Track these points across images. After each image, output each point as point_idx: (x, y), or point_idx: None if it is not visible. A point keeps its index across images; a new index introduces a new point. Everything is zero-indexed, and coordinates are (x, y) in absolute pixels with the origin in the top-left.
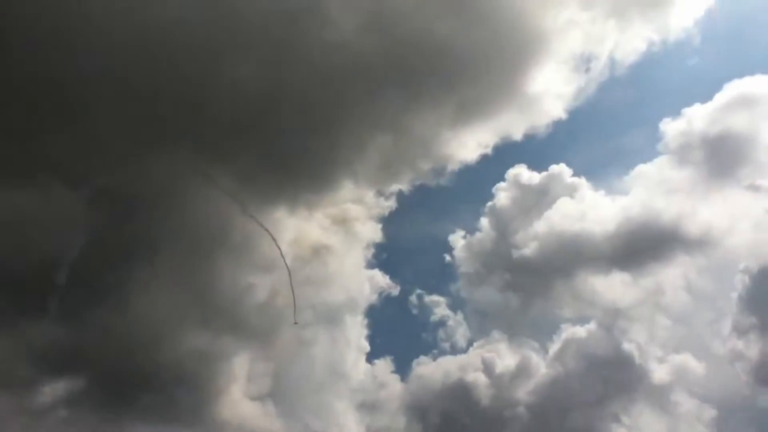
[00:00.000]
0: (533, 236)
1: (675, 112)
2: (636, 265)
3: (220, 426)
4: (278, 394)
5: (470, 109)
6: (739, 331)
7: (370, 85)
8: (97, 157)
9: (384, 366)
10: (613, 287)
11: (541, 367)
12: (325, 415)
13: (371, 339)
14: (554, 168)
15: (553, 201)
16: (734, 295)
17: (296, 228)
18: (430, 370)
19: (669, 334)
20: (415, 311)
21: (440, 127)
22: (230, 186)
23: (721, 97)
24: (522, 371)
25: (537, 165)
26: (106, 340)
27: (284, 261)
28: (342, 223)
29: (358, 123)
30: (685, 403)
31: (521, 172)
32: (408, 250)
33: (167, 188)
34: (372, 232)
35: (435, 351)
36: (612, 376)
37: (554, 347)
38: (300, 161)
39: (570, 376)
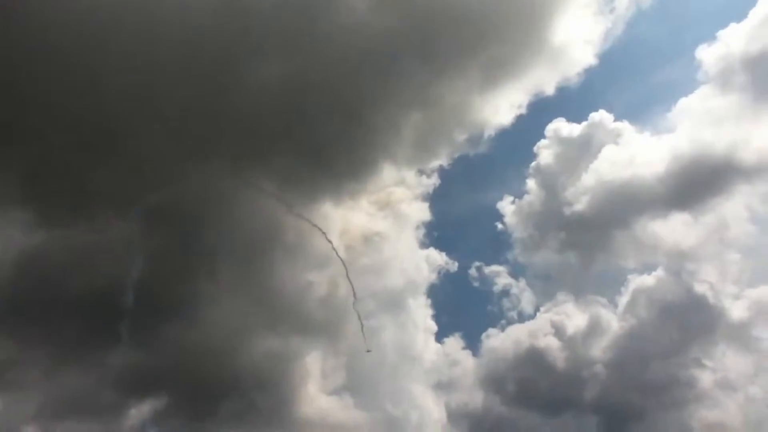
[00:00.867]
0: (583, 190)
1: (710, 37)
2: (694, 203)
3: (302, 423)
4: (353, 385)
5: (497, 70)
6: None
7: (392, 63)
8: (141, 180)
9: (454, 343)
10: (674, 230)
11: (613, 322)
12: (403, 399)
13: (437, 318)
14: (594, 116)
15: (598, 150)
16: None
17: (344, 219)
18: (500, 340)
19: (741, 268)
20: (476, 284)
21: (470, 94)
22: (273, 187)
23: (756, 13)
24: (594, 329)
25: (575, 116)
26: (182, 355)
27: (337, 254)
28: (388, 207)
29: (388, 103)
30: None
31: (560, 126)
32: (458, 224)
33: (213, 199)
34: (419, 211)
35: (503, 321)
36: (688, 321)
37: (623, 300)
38: (336, 151)
39: (644, 327)
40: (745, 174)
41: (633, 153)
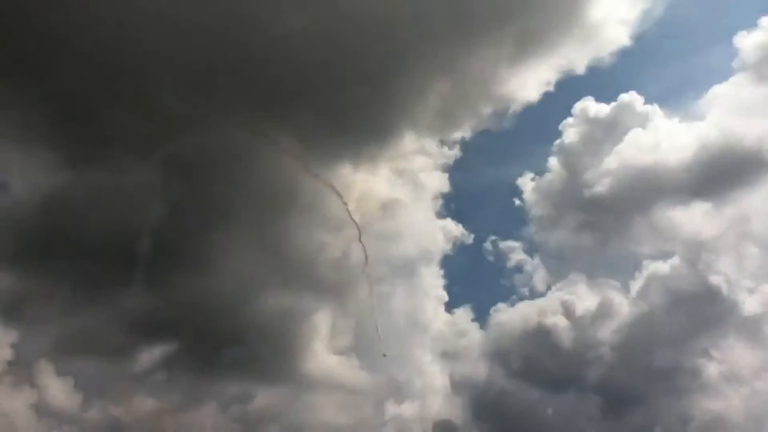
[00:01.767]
0: (605, 172)
1: (750, 23)
2: (717, 193)
3: (307, 380)
4: (361, 348)
5: (529, 43)
6: None
7: (422, 28)
8: (161, 127)
9: (463, 314)
10: (694, 219)
11: (624, 306)
12: (409, 365)
13: (449, 288)
14: (623, 97)
15: (624, 133)
16: None
17: (362, 183)
18: (509, 315)
19: (758, 263)
20: (490, 258)
21: (498, 66)
22: (292, 145)
23: None
24: (604, 312)
25: (605, 97)
26: (194, 304)
27: (351, 216)
28: (407, 175)
29: (414, 68)
30: None
31: (588, 106)
32: (477, 197)
33: (232, 153)
34: (439, 182)
35: (513, 297)
36: (699, 311)
37: (636, 285)
38: (359, 114)
39: (655, 313)
40: None
41: (660, 138)
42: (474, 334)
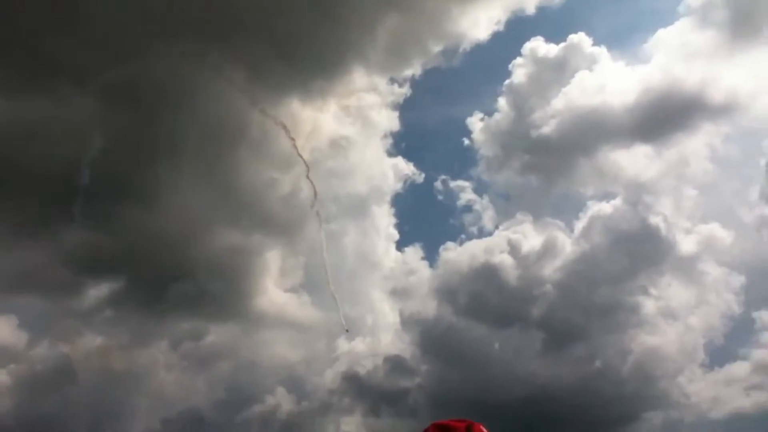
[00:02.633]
0: (552, 113)
1: None
2: (658, 136)
3: (259, 317)
4: (311, 286)
5: None
6: None
7: None
8: (101, 53)
9: (413, 253)
10: (636, 161)
11: (567, 246)
12: (360, 302)
13: (399, 227)
14: (573, 38)
15: (572, 75)
16: (762, 161)
17: (312, 120)
18: (457, 254)
19: (695, 204)
20: (440, 197)
21: (450, 3)
22: (240, 78)
23: None
24: (548, 250)
25: (554, 37)
26: (141, 240)
27: (298, 152)
28: (357, 112)
29: (364, 1)
30: (713, 272)
31: (538, 45)
32: (427, 136)
33: (176, 83)
34: (388, 120)
35: (462, 236)
36: (639, 250)
37: (580, 225)
38: (309, 46)
39: (597, 252)
40: (711, 112)
41: (605, 80)
42: (424, 272)
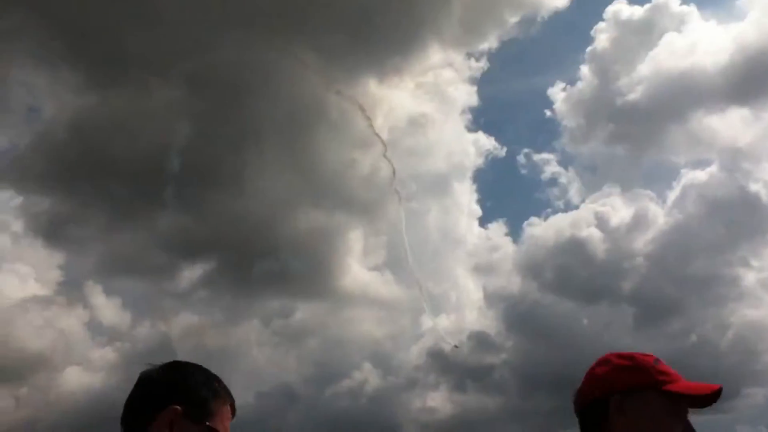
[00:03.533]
0: (639, 79)
1: None
2: (756, 98)
3: (345, 295)
4: (394, 264)
5: None
6: None
7: None
8: (182, 45)
9: (497, 228)
10: (732, 125)
11: (659, 217)
12: (443, 279)
13: (482, 203)
14: None
15: (659, 37)
16: None
17: (389, 99)
18: (542, 229)
19: None
20: (524, 171)
21: None
22: (315, 61)
23: None
24: (639, 222)
25: None
26: (229, 223)
27: (375, 131)
28: (435, 89)
29: None
30: None
31: (621, 8)
32: (507, 109)
33: (254, 70)
34: (467, 95)
35: (548, 210)
36: (738, 220)
37: (672, 195)
38: (382, 25)
39: (692, 223)
40: None
41: (696, 41)
42: (507, 248)
